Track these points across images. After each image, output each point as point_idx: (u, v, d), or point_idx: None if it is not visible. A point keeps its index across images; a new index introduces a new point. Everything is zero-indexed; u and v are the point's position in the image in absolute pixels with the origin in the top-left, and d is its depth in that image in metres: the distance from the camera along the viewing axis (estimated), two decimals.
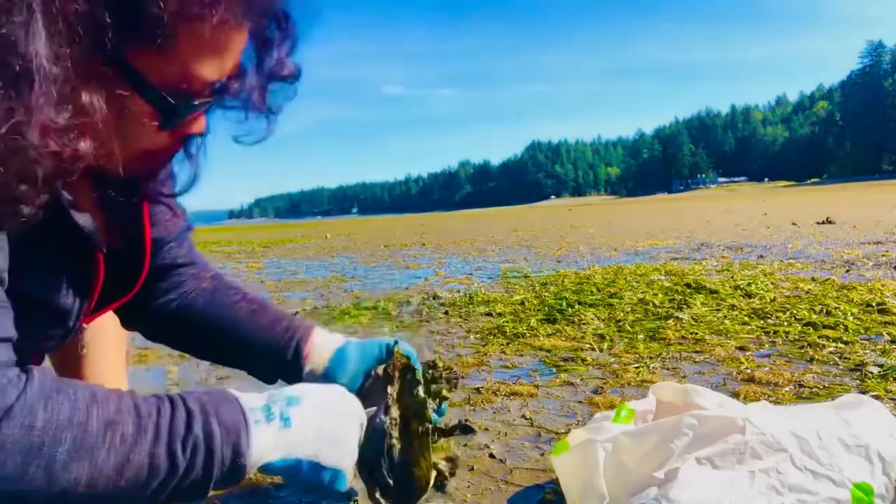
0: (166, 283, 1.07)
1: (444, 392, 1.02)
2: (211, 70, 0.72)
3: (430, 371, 1.02)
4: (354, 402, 0.83)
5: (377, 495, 0.87)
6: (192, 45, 0.68)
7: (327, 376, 1.01)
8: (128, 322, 1.12)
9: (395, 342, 1.02)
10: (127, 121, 0.70)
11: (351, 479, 0.79)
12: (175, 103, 0.71)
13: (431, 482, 0.89)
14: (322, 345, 1.04)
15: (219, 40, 0.70)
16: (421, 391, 0.86)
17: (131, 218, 0.93)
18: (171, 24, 0.65)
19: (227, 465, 0.67)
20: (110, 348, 1.33)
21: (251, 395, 0.74)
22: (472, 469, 1.42)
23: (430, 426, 0.96)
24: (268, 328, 1.05)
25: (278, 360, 1.03)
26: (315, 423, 0.75)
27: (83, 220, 0.79)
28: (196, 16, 0.66)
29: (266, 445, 0.70)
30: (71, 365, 1.29)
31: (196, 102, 0.73)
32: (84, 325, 0.97)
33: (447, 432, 1.00)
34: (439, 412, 1.03)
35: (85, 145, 0.63)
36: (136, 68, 0.67)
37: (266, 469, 0.71)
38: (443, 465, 1.01)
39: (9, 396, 0.57)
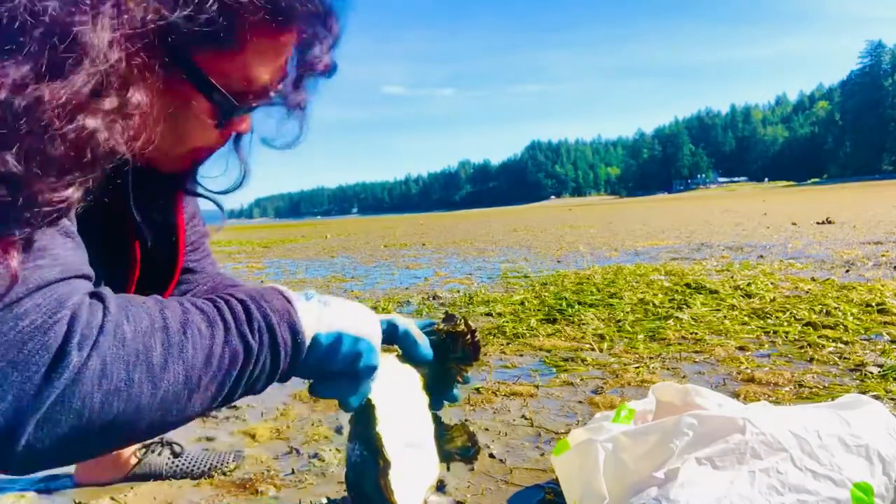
0: (175, 288, 1.08)
1: (462, 367, 0.96)
2: (268, 73, 0.76)
3: (446, 341, 0.94)
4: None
5: None
6: (257, 50, 0.73)
7: None
8: None
9: (391, 324, 0.92)
10: (184, 118, 0.75)
11: (378, 355, 0.80)
12: (238, 104, 0.75)
13: None
14: None
15: (279, 45, 0.75)
16: (377, 429, 0.81)
17: (166, 218, 0.95)
18: (244, 32, 0.69)
19: (289, 343, 0.69)
20: None
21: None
22: (472, 469, 1.42)
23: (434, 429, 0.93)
24: None
25: None
26: (346, 307, 0.77)
27: (137, 215, 0.82)
28: (267, 26, 0.71)
29: (310, 319, 0.72)
30: None
31: (255, 104, 0.78)
32: None
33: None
34: (465, 380, 0.97)
35: (115, 137, 0.63)
36: (202, 69, 0.71)
37: (314, 344, 0.73)
38: (457, 457, 0.98)
39: (98, 317, 0.59)
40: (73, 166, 0.61)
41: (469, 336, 0.93)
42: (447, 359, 0.95)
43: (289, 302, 0.72)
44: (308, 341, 0.71)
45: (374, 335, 0.78)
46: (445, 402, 0.98)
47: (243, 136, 0.89)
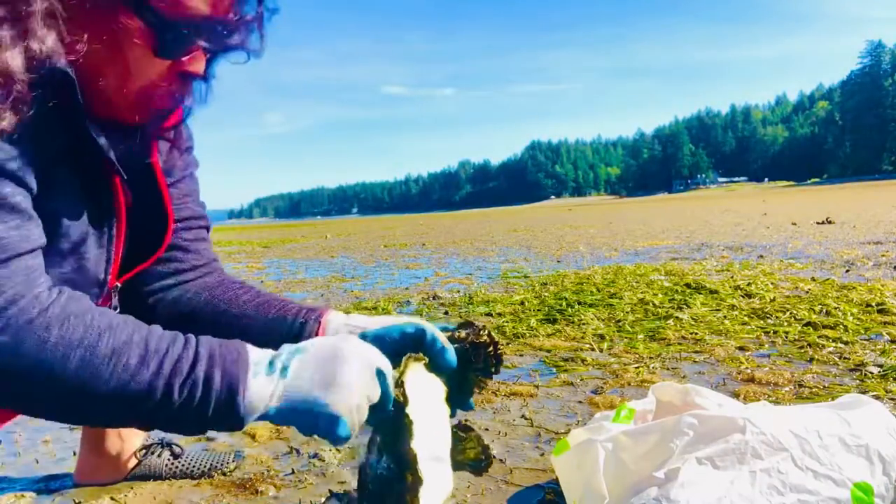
0: (164, 267, 1.06)
1: (481, 378, 0.92)
2: (204, 2, 0.77)
3: (468, 351, 0.89)
4: (364, 349, 0.78)
5: None
6: None
7: None
8: (127, 309, 1.11)
9: (419, 329, 0.88)
10: (123, 45, 0.76)
11: (354, 425, 0.74)
12: (167, 19, 0.75)
13: None
14: (337, 331, 0.96)
15: None
16: (413, 445, 0.77)
17: (146, 180, 0.96)
18: None
19: (222, 410, 0.70)
20: None
21: (262, 351, 0.75)
22: None
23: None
24: (275, 317, 1.00)
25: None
26: (311, 370, 0.73)
27: (102, 141, 0.82)
28: None
29: (262, 396, 0.71)
30: None
31: (186, 30, 0.77)
32: (118, 284, 0.99)
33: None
34: (481, 390, 0.95)
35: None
36: None
37: (266, 419, 0.73)
38: (469, 468, 0.95)
39: (31, 311, 0.65)
40: None
41: (492, 348, 0.91)
42: (467, 368, 0.92)
43: (246, 370, 0.71)
44: (251, 414, 0.71)
45: (340, 405, 0.72)
46: (458, 410, 0.95)
47: (198, 83, 0.88)
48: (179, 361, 0.69)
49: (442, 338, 0.88)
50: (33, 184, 0.73)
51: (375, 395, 0.76)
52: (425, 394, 0.85)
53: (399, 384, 0.79)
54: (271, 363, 0.73)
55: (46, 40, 0.70)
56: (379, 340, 0.89)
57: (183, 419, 0.70)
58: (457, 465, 0.93)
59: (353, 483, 1.09)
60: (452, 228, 16.86)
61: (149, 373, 0.67)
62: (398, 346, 0.87)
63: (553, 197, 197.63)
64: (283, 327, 0.98)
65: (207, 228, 1.14)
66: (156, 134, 0.94)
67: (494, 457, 1.49)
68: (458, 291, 4.27)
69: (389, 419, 0.78)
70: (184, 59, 0.82)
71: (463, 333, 0.92)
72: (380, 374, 0.76)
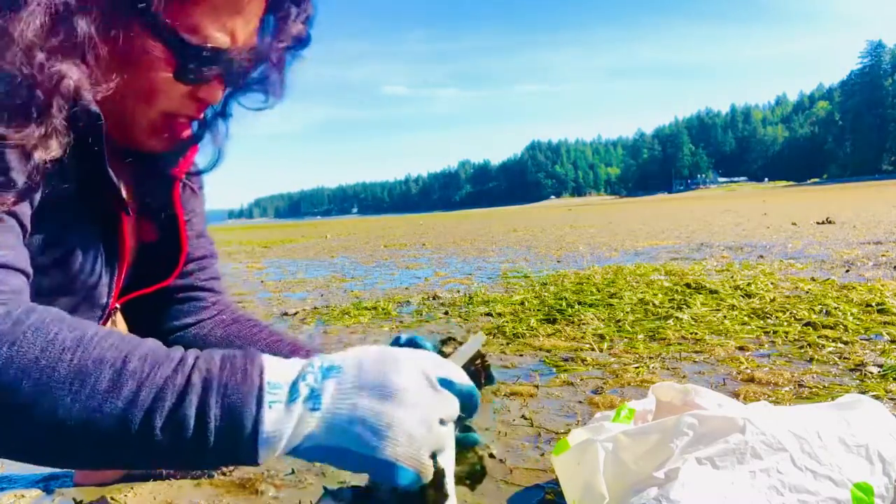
0: (183, 306, 1.07)
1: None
2: (226, 30, 0.77)
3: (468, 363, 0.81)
4: (420, 359, 0.62)
5: None
6: (214, 4, 0.75)
7: None
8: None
9: (410, 339, 0.82)
10: (143, 67, 0.76)
11: (425, 471, 0.59)
12: (187, 43, 0.75)
13: None
14: None
15: (238, 3, 0.76)
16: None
17: (164, 208, 0.96)
18: None
19: (226, 448, 0.56)
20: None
21: (285, 364, 0.60)
22: None
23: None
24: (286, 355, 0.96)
25: None
26: (353, 401, 0.57)
27: (113, 175, 0.82)
28: None
29: (281, 432, 0.56)
30: None
31: (206, 53, 0.77)
32: (116, 307, 1.00)
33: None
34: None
35: (68, 68, 0.66)
36: (153, 10, 0.72)
37: (296, 455, 0.58)
38: (466, 485, 0.92)
39: None
40: (32, 110, 0.64)
41: (480, 361, 0.82)
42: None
43: (257, 399, 0.56)
44: (271, 451, 0.56)
45: (397, 449, 0.56)
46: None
47: (217, 120, 0.90)
48: (163, 389, 0.55)
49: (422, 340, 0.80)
50: (24, 217, 0.68)
51: (451, 413, 0.62)
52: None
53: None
54: (294, 387, 0.57)
55: (74, 77, 0.69)
56: None
57: (179, 459, 0.56)
58: (457, 481, 0.90)
59: (352, 483, 1.10)
60: (452, 228, 16.86)
61: (120, 401, 0.53)
62: None
63: (553, 197, 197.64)
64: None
65: (214, 256, 1.15)
66: (174, 171, 0.95)
67: (493, 456, 1.49)
68: (458, 291, 4.26)
69: (419, 490, 0.63)
70: (202, 86, 0.82)
71: (450, 350, 0.83)
72: (445, 384, 0.62)
